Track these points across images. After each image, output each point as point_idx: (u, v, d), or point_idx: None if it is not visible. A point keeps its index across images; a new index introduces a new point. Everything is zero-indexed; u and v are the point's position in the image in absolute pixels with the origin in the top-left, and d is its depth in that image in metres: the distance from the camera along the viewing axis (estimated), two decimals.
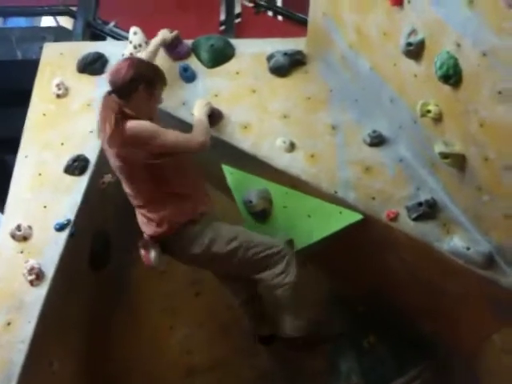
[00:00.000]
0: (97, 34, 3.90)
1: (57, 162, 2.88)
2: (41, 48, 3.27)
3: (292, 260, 2.56)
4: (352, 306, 3.37)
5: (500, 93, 1.96)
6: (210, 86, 3.04)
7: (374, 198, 2.72)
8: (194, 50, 3.14)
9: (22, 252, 2.65)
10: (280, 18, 4.94)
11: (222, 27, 4.26)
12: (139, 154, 2.40)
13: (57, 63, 3.16)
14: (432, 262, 2.67)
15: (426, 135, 2.53)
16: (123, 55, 3.07)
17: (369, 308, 3.23)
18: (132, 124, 2.38)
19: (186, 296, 3.39)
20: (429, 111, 2.38)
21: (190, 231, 2.51)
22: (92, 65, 3.11)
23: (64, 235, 2.70)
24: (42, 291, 2.55)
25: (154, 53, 2.93)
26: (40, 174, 2.86)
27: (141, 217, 2.54)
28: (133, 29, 3.16)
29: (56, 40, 3.72)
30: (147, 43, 3.07)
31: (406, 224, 2.66)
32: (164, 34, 3.01)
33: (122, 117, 2.40)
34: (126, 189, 2.54)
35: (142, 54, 2.92)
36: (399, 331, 3.22)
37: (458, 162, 2.38)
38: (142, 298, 3.42)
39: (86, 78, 3.11)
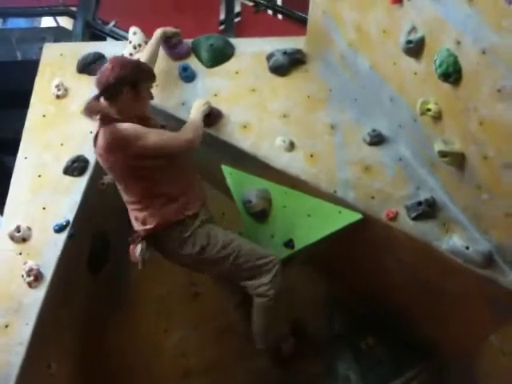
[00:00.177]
0: (96, 35, 3.91)
1: (56, 163, 2.87)
2: (41, 49, 3.27)
3: (279, 272, 2.58)
4: (350, 308, 3.36)
5: (499, 91, 1.95)
6: (210, 86, 3.03)
7: (373, 198, 2.71)
8: (194, 49, 3.13)
9: (20, 253, 2.65)
10: (280, 16, 4.93)
11: (222, 26, 4.26)
12: (123, 159, 2.38)
13: (57, 64, 3.15)
14: (431, 262, 2.65)
15: (425, 134, 2.52)
16: (123, 55, 3.07)
17: (367, 309, 3.22)
18: (113, 129, 2.35)
19: (182, 298, 3.39)
20: (429, 109, 2.38)
21: (180, 232, 2.50)
22: (92, 65, 3.10)
23: (63, 236, 2.69)
24: (40, 293, 2.55)
25: (156, 45, 2.93)
26: (39, 176, 2.85)
27: (130, 212, 2.55)
28: (132, 29, 3.16)
29: (56, 40, 3.74)
30: (147, 43, 3.06)
31: (406, 223, 2.65)
32: (164, 29, 3.01)
33: (105, 121, 2.38)
34: (118, 186, 2.55)
35: (144, 49, 2.93)
36: (397, 332, 3.21)
37: (458, 160, 2.36)
38: (138, 299, 3.41)
39: (85, 78, 3.10)
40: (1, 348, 2.43)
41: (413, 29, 2.30)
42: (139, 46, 3.08)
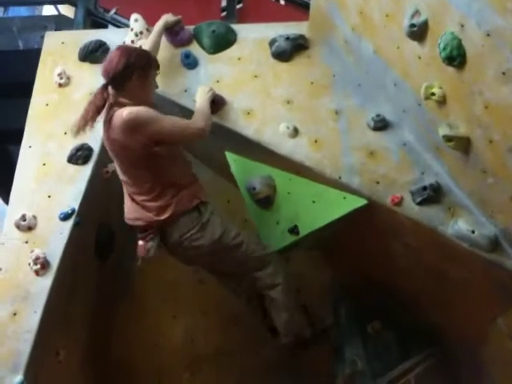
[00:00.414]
0: (98, 22, 3.89)
1: (60, 152, 2.88)
2: (42, 37, 3.26)
3: (280, 262, 2.73)
4: (356, 293, 3.37)
5: (504, 74, 1.93)
6: (212, 72, 3.02)
7: (378, 183, 2.71)
8: (196, 36, 3.11)
9: (27, 242, 2.66)
10: (282, 2, 4.89)
11: (224, 13, 4.24)
12: (138, 141, 2.38)
13: (58, 52, 3.14)
14: (437, 247, 2.65)
15: (430, 118, 2.51)
16: (124, 43, 3.06)
17: (373, 295, 3.23)
18: (129, 110, 2.38)
19: (190, 284, 3.40)
20: (433, 94, 2.36)
21: (197, 218, 2.52)
22: (93, 53, 3.09)
23: (69, 225, 2.70)
24: (47, 281, 2.57)
25: (158, 37, 2.92)
26: (44, 164, 2.86)
27: (135, 204, 2.52)
28: (134, 16, 3.15)
29: (57, 29, 3.73)
30: (148, 30, 3.06)
31: (411, 208, 2.64)
32: (167, 17, 3.00)
33: (119, 105, 2.42)
34: (123, 177, 2.53)
35: (147, 40, 2.91)
36: (404, 318, 3.22)
37: (463, 144, 2.35)
38: (145, 286, 3.44)
39: (87, 66, 3.10)
40: (9, 336, 2.45)
41: (416, 12, 2.27)
42: (141, 33, 3.07)
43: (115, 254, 3.20)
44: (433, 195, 2.62)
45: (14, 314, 2.50)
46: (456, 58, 2.12)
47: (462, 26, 2.03)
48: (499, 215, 2.46)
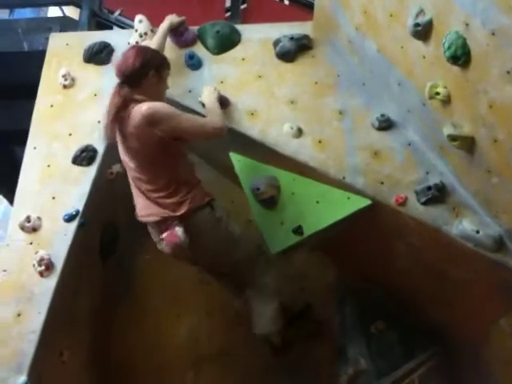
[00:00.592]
0: (102, 24, 3.88)
1: (65, 153, 2.88)
2: (47, 39, 3.26)
3: (268, 264, 2.81)
4: (360, 293, 3.36)
5: (509, 73, 1.92)
6: (217, 73, 3.02)
7: (382, 183, 2.70)
8: (200, 36, 3.12)
9: (31, 243, 2.67)
10: (286, 2, 4.89)
11: (228, 13, 4.23)
12: (156, 136, 2.42)
13: (63, 54, 3.15)
14: (441, 246, 2.64)
15: (434, 118, 2.50)
16: (129, 44, 3.07)
17: (377, 294, 3.23)
18: (148, 104, 2.42)
19: (193, 284, 3.40)
20: (437, 93, 2.35)
21: (210, 214, 2.57)
22: (98, 54, 3.10)
23: (73, 226, 2.71)
24: (51, 282, 2.57)
25: (163, 38, 2.94)
26: (49, 166, 2.86)
27: (148, 202, 2.54)
28: (138, 17, 3.15)
29: (62, 30, 3.72)
30: (153, 31, 3.06)
31: (415, 208, 2.64)
32: (171, 19, 3.01)
33: (137, 101, 2.46)
34: (137, 174, 2.54)
35: (152, 40, 2.92)
36: (407, 317, 3.22)
37: (467, 144, 2.34)
38: (149, 286, 3.45)
39: (92, 67, 3.10)
40: (14, 336, 2.46)
41: (420, 11, 2.26)
42: (145, 34, 3.07)
43: (118, 254, 3.20)
44: (437, 195, 2.61)
45: (19, 315, 2.50)
46: (461, 57, 2.11)
47: (467, 25, 2.02)
48: (504, 215, 2.45)
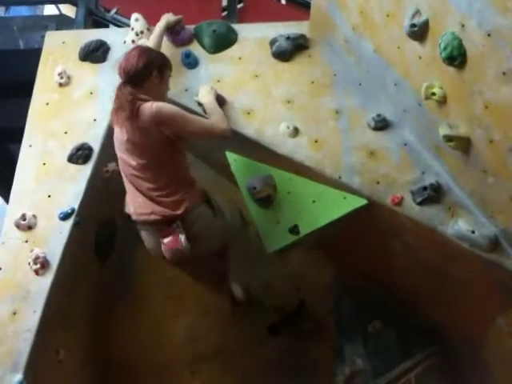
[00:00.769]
0: (99, 22, 3.88)
1: (61, 151, 2.87)
2: (43, 37, 3.25)
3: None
4: (357, 292, 3.37)
5: (505, 73, 1.93)
6: (213, 72, 3.01)
7: (378, 183, 2.71)
8: (196, 35, 3.11)
9: (26, 241, 2.66)
10: (283, 1, 4.89)
11: (225, 12, 4.23)
12: (162, 135, 2.46)
13: (59, 52, 3.14)
14: (437, 246, 2.65)
15: (430, 118, 2.51)
16: (125, 42, 3.07)
17: (374, 293, 3.23)
18: (157, 104, 2.45)
19: (191, 284, 3.40)
20: (433, 94, 2.35)
21: (206, 212, 2.61)
22: (94, 53, 3.09)
23: (68, 224, 2.70)
24: (47, 280, 2.57)
25: (160, 37, 2.93)
26: (44, 164, 2.86)
27: (148, 201, 2.53)
28: (134, 15, 3.15)
29: (58, 28, 3.73)
30: (149, 29, 3.06)
31: (411, 208, 2.65)
32: (168, 17, 3.01)
33: (143, 100, 2.47)
34: (137, 172, 2.53)
35: (149, 40, 2.92)
36: (405, 316, 3.23)
37: (463, 144, 2.35)
38: (146, 285, 3.45)
39: (88, 66, 3.09)
40: (9, 335, 2.45)
41: (417, 12, 2.27)
42: (141, 32, 3.07)
43: (115, 253, 3.20)
44: (433, 195, 2.62)
45: (14, 314, 2.50)
46: (457, 57, 2.11)
47: (463, 25, 2.03)
48: (499, 215, 2.46)
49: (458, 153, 2.43)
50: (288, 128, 2.83)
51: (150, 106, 2.43)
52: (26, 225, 2.68)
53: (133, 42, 3.04)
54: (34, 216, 2.71)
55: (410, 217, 2.65)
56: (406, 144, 2.77)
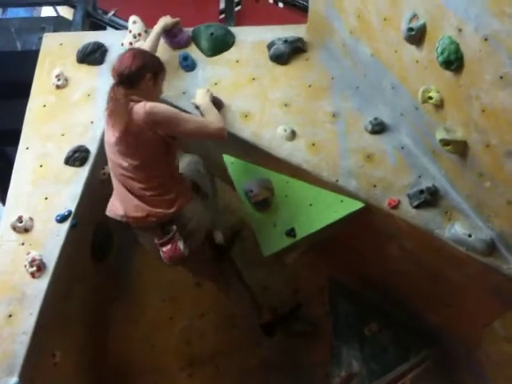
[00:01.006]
0: (96, 24, 3.88)
1: (58, 154, 2.87)
2: (40, 38, 3.26)
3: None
4: (354, 295, 3.37)
5: (502, 78, 1.93)
6: (210, 75, 3.02)
7: (375, 186, 2.71)
8: (194, 38, 3.12)
9: (23, 244, 2.66)
10: (281, 4, 4.90)
11: (222, 15, 4.24)
12: (157, 134, 2.45)
13: (56, 54, 3.14)
14: (434, 250, 2.66)
15: (427, 122, 2.51)
16: (122, 44, 3.06)
17: (371, 296, 3.24)
18: (151, 104, 2.45)
19: (187, 286, 3.40)
20: (430, 98, 2.36)
21: (197, 204, 2.63)
22: (92, 55, 3.10)
23: (65, 227, 2.70)
24: (43, 283, 2.56)
25: (157, 39, 2.94)
26: (41, 166, 2.85)
27: (141, 202, 2.51)
28: (132, 18, 3.15)
29: (55, 30, 3.71)
30: (147, 32, 3.06)
31: (408, 212, 2.65)
32: (165, 20, 3.01)
33: (136, 100, 2.47)
34: (130, 173, 2.51)
35: (145, 42, 2.91)
36: (401, 319, 3.23)
37: (460, 148, 2.36)
38: (142, 288, 3.46)
39: (85, 68, 3.09)
40: (5, 337, 2.45)
41: (414, 16, 2.28)
42: (139, 35, 3.07)
43: (113, 254, 3.19)
44: (430, 199, 2.62)
45: (10, 316, 2.49)
46: (453, 62, 2.12)
47: (460, 30, 2.04)
48: (496, 219, 2.47)
49: (454, 157, 2.43)
50: (285, 131, 2.83)
51: (143, 106, 2.43)
52: (23, 227, 2.67)
53: (130, 44, 3.04)
54: (31, 218, 2.70)
55: (406, 220, 2.65)
56: (402, 147, 2.77)
